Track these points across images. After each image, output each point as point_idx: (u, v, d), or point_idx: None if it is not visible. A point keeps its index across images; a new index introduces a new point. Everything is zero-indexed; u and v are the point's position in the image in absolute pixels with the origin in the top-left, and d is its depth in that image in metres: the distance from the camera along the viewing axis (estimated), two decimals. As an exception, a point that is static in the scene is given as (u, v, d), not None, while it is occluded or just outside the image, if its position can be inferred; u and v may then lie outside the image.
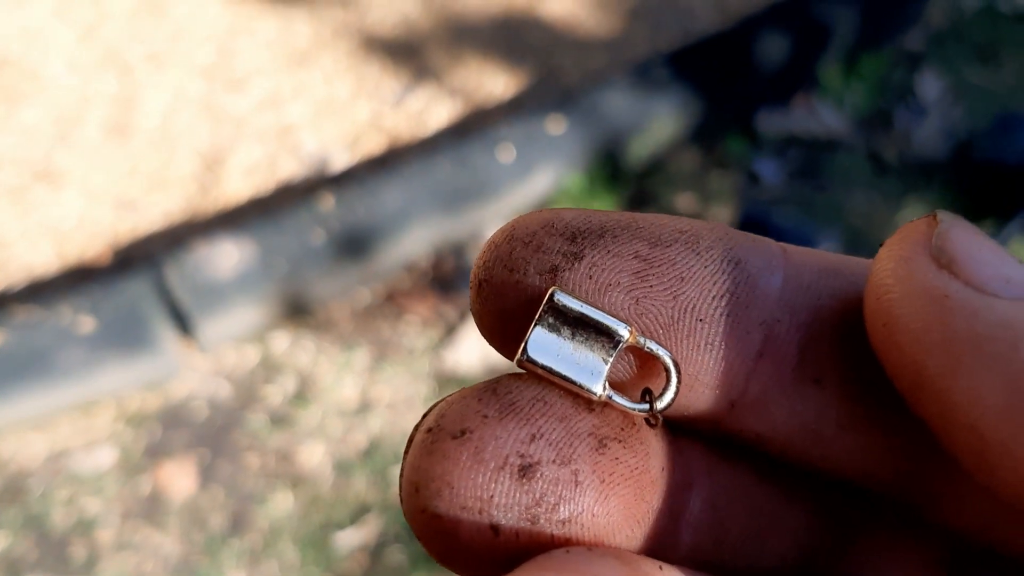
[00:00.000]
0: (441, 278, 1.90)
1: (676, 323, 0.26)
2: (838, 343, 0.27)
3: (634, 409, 0.26)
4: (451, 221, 1.91)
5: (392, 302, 1.88)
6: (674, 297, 0.26)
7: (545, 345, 0.26)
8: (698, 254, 0.26)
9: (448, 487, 0.24)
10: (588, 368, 0.26)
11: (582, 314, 0.26)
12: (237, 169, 2.02)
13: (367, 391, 1.77)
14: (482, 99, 2.18)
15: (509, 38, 2.30)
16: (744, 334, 0.26)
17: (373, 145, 2.08)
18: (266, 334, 1.82)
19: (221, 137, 2.07)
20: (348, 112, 2.14)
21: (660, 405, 0.26)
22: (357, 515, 1.63)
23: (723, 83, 2.17)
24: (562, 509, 0.24)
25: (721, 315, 0.26)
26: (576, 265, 0.26)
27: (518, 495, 0.24)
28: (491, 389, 0.26)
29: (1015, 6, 2.44)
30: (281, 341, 1.82)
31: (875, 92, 2.26)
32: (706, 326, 0.26)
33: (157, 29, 2.26)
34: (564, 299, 0.26)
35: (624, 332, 0.26)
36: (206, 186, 1.99)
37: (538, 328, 0.26)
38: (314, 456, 1.69)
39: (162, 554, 1.58)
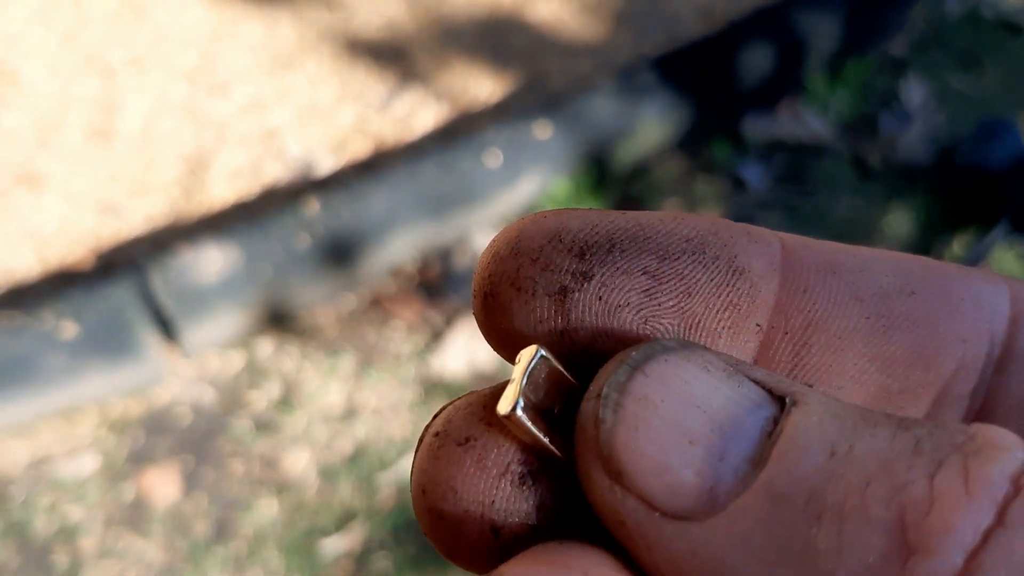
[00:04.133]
0: (427, 283, 1.90)
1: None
2: (832, 349, 0.26)
3: None
4: (437, 226, 1.91)
5: (378, 307, 1.87)
6: (681, 313, 0.26)
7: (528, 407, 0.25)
8: (704, 265, 0.26)
9: (452, 491, 0.25)
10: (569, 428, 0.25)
11: (562, 376, 0.25)
12: (221, 173, 2.01)
13: (352, 397, 1.76)
14: (468, 104, 2.18)
15: (495, 42, 2.29)
16: (742, 343, 0.26)
17: (358, 149, 2.08)
18: (250, 339, 1.81)
19: (204, 141, 2.06)
20: (333, 116, 2.13)
21: None
22: (342, 522, 1.63)
23: (709, 88, 2.18)
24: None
25: (723, 327, 0.26)
26: (586, 285, 0.26)
27: (518, 501, 0.25)
28: (496, 397, 0.26)
29: (998, 13, 2.46)
30: (266, 346, 1.81)
31: (860, 98, 2.27)
32: (708, 339, 0.26)
33: (139, 33, 2.24)
34: (548, 356, 0.25)
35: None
36: (190, 191, 1.98)
37: (522, 389, 0.25)
38: (299, 462, 1.68)
39: (145, 561, 1.57)
